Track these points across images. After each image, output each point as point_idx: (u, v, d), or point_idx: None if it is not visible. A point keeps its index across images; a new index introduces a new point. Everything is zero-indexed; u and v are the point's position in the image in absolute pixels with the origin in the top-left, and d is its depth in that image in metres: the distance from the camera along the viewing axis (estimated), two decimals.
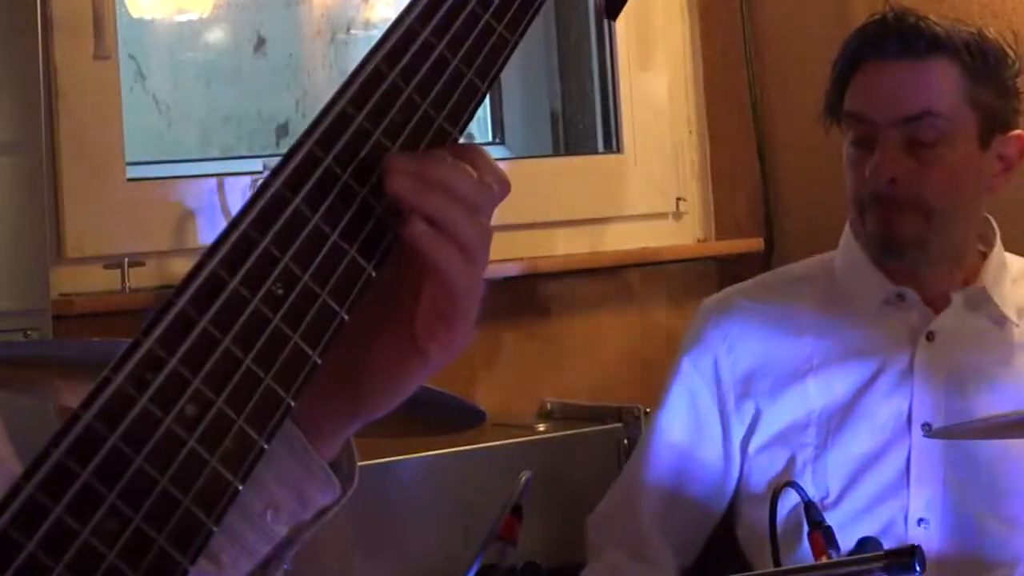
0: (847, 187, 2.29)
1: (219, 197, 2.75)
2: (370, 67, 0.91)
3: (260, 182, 0.90)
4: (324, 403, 0.96)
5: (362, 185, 0.90)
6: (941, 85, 2.23)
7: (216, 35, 3.01)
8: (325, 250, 0.88)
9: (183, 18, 2.96)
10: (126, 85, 2.76)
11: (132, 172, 2.71)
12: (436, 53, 0.93)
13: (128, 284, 2.60)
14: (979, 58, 2.24)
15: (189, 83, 2.98)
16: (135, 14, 2.89)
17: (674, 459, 2.34)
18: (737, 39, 3.21)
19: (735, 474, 2.33)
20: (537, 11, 0.96)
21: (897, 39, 2.23)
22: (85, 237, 2.62)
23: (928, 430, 2.23)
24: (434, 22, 0.93)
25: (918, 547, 1.77)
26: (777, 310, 2.35)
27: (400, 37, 0.93)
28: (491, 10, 0.94)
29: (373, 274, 0.90)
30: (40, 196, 2.38)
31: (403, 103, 0.92)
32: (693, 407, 2.35)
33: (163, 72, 2.94)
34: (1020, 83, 2.29)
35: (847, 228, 2.34)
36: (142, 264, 2.63)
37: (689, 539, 2.34)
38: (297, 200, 0.88)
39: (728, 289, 2.45)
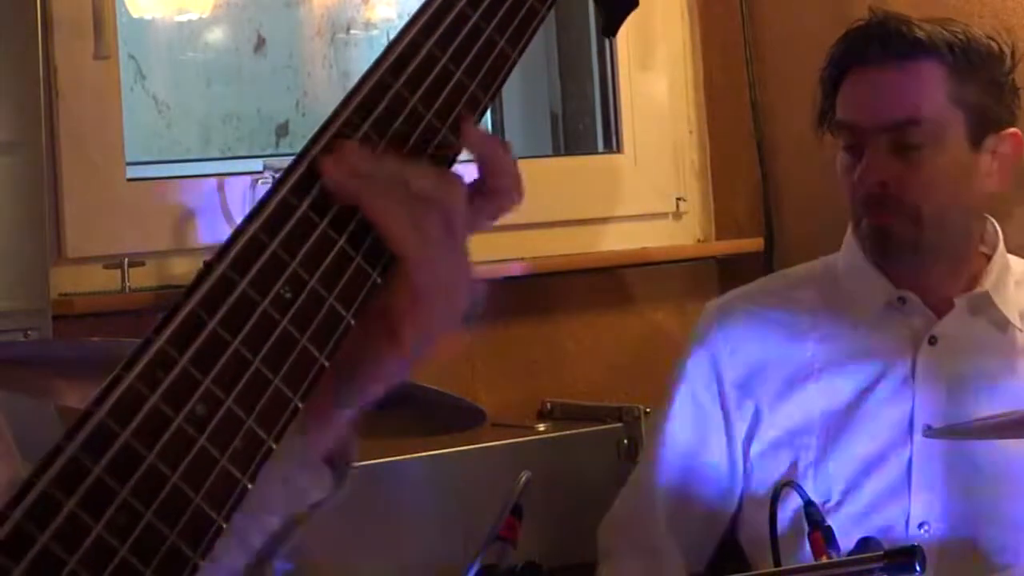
0: (844, 194, 2.30)
1: (219, 197, 2.75)
2: (375, 77, 0.93)
3: (263, 184, 0.91)
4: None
5: None
6: (926, 88, 2.22)
7: (216, 35, 3.01)
8: (332, 255, 0.90)
9: (183, 18, 2.96)
10: (126, 85, 2.77)
11: (132, 172, 2.71)
12: (440, 65, 0.94)
13: (128, 284, 2.60)
14: (963, 57, 2.23)
15: (189, 83, 2.98)
16: (135, 14, 2.89)
17: (682, 463, 2.35)
18: (737, 39, 3.21)
19: (740, 475, 2.33)
20: (537, 27, 0.97)
21: (880, 44, 2.23)
22: (85, 237, 2.62)
23: (929, 432, 2.23)
24: (437, 34, 0.94)
25: (918, 547, 1.77)
26: (780, 313, 2.35)
27: (405, 48, 0.94)
28: (493, 24, 0.96)
29: (379, 280, 0.91)
30: (40, 196, 2.38)
31: (408, 113, 0.93)
32: (697, 410, 2.35)
33: (163, 72, 2.94)
34: (1018, 80, 2.29)
35: (849, 231, 2.34)
36: (142, 264, 2.63)
37: (700, 542, 2.35)
38: (304, 206, 0.89)
39: (731, 292, 2.45)
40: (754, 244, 3.21)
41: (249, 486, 0.85)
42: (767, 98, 3.18)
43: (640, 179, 3.23)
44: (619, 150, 3.24)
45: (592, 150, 3.29)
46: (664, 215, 3.25)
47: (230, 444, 0.85)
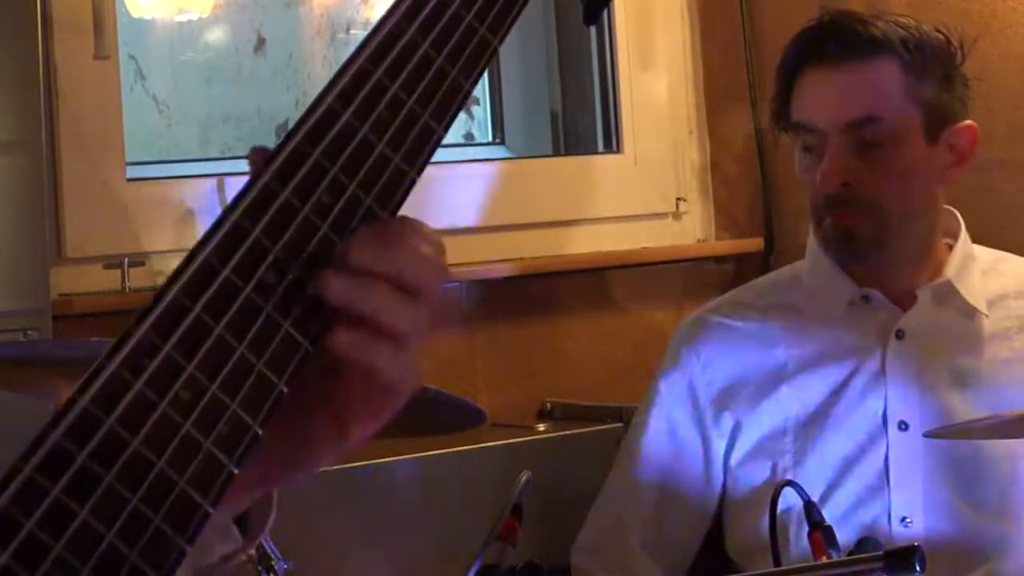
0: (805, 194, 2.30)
1: (219, 197, 2.75)
2: (356, 64, 0.93)
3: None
4: None
5: (350, 179, 0.92)
6: (883, 86, 2.22)
7: (216, 35, 3.01)
8: (315, 241, 0.90)
9: (183, 18, 2.96)
10: (126, 85, 2.77)
11: (132, 172, 2.71)
12: (421, 51, 0.95)
13: (128, 284, 2.60)
14: (918, 53, 2.22)
15: (189, 83, 2.98)
16: (135, 14, 2.89)
17: (657, 483, 2.34)
18: (737, 39, 3.21)
19: (717, 490, 2.34)
20: (519, 13, 0.98)
21: (835, 43, 2.23)
22: (85, 237, 2.62)
23: (904, 428, 2.23)
24: (419, 21, 0.95)
25: (918, 547, 1.77)
26: (749, 325, 2.35)
27: (386, 36, 0.94)
28: (472, 12, 0.96)
29: None
30: (40, 196, 2.38)
31: (389, 100, 0.93)
32: (672, 430, 2.35)
33: (163, 72, 2.94)
34: (967, 71, 2.28)
35: (811, 234, 2.34)
36: (142, 264, 2.63)
37: (678, 559, 2.35)
38: (286, 192, 0.90)
39: (701, 309, 2.45)
40: (754, 244, 3.21)
41: (235, 471, 0.85)
42: (767, 98, 3.18)
43: (640, 179, 3.23)
44: (619, 150, 3.24)
45: (592, 150, 3.29)
46: (664, 215, 3.25)
47: (215, 428, 0.85)
